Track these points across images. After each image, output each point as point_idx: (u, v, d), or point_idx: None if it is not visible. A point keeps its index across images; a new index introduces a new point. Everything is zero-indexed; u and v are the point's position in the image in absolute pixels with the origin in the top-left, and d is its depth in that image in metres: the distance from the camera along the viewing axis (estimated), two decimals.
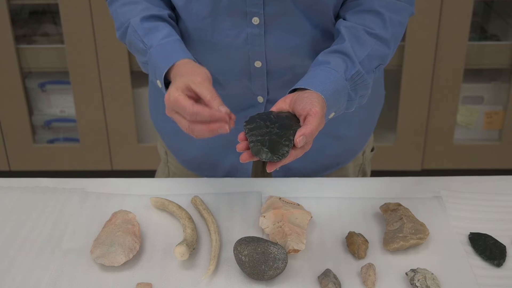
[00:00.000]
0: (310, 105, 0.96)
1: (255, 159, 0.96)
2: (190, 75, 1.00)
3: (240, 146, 0.97)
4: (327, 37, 1.13)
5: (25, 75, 2.66)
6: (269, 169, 0.96)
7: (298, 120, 0.99)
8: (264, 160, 0.95)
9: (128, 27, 1.11)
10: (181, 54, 1.05)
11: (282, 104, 1.01)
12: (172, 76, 1.03)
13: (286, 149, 0.95)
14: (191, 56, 1.06)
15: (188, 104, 0.95)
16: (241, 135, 0.98)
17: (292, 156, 0.96)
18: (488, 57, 2.58)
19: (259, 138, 0.96)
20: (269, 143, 0.95)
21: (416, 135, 2.67)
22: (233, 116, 0.98)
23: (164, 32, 1.09)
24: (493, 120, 2.71)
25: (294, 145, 0.95)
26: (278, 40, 1.11)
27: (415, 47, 2.49)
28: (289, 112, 1.00)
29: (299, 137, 0.94)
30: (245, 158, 0.96)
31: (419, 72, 2.54)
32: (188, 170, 1.36)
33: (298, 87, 1.02)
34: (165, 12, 1.12)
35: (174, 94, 0.96)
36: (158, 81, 1.07)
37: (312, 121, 0.95)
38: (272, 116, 0.99)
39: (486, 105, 2.73)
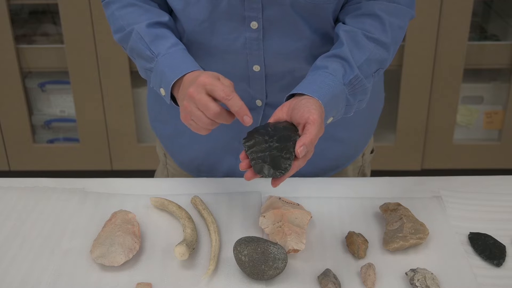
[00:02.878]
0: (308, 113, 0.96)
1: (259, 176, 0.96)
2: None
3: (243, 165, 0.97)
4: (326, 41, 1.12)
5: (25, 75, 2.65)
6: (274, 185, 0.96)
7: (296, 129, 0.98)
8: (267, 177, 0.95)
9: (131, 32, 1.10)
10: (191, 65, 1.05)
11: (280, 113, 1.00)
12: (182, 84, 1.03)
13: (288, 162, 0.95)
14: (198, 67, 1.06)
15: (225, 86, 0.97)
16: (242, 154, 0.98)
17: (295, 167, 0.96)
18: (488, 57, 2.58)
19: (260, 154, 0.96)
20: (270, 158, 0.95)
21: (416, 135, 2.67)
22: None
23: (172, 41, 1.09)
24: (492, 120, 2.71)
25: (295, 156, 0.95)
26: (277, 44, 1.11)
27: (415, 47, 2.49)
28: (286, 121, 1.00)
29: (300, 147, 0.94)
30: (249, 176, 0.96)
31: (419, 72, 2.54)
32: (187, 172, 1.36)
33: (296, 92, 1.02)
34: (166, 18, 1.12)
35: (210, 77, 0.98)
36: (162, 89, 1.06)
37: (311, 130, 0.95)
38: (269, 129, 0.98)
39: (485, 105, 2.73)
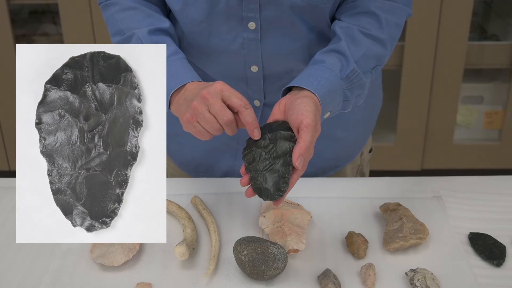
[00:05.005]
0: (301, 116, 0.95)
1: None
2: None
3: (243, 181, 0.98)
4: (323, 40, 1.12)
5: None
6: (276, 204, 0.97)
7: (293, 134, 0.97)
8: (266, 200, 0.96)
9: (131, 37, 1.10)
10: (191, 76, 1.05)
11: (277, 112, 1.00)
12: (185, 90, 1.02)
13: (286, 181, 0.95)
14: (200, 78, 1.06)
15: (242, 96, 0.98)
16: (242, 168, 0.99)
17: (294, 180, 0.96)
18: (488, 57, 2.58)
19: (258, 173, 0.97)
20: (268, 181, 0.96)
21: (416, 135, 2.67)
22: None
23: (171, 49, 1.08)
24: (493, 120, 2.71)
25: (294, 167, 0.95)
26: (274, 44, 1.11)
27: (415, 47, 2.49)
28: (284, 122, 0.99)
29: (297, 160, 0.94)
30: (250, 194, 0.97)
31: (419, 72, 2.54)
32: (186, 172, 1.36)
33: (293, 85, 1.02)
34: (167, 24, 1.12)
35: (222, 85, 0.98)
36: None
37: (305, 136, 0.94)
38: (267, 138, 0.98)
39: (486, 105, 2.73)
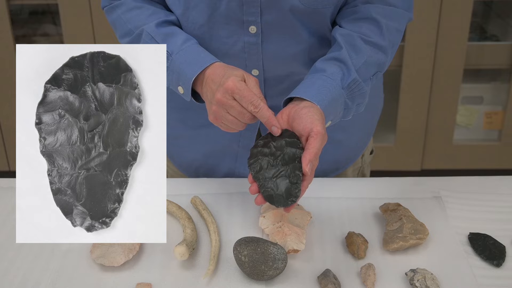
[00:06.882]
0: (311, 124, 0.96)
1: None
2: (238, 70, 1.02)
3: (252, 189, 0.98)
4: (324, 44, 1.12)
5: None
6: (287, 211, 0.98)
7: (299, 141, 0.98)
8: (279, 207, 0.96)
9: (141, 34, 1.10)
10: (208, 58, 1.05)
11: (280, 121, 1.00)
12: (205, 81, 1.03)
13: (298, 186, 0.95)
14: (217, 59, 1.06)
15: (252, 94, 0.98)
16: (250, 178, 0.99)
17: (306, 185, 0.97)
18: (488, 57, 2.59)
19: (268, 182, 0.97)
20: (280, 187, 0.96)
21: (415, 135, 2.67)
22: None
23: (183, 37, 1.08)
24: (492, 120, 2.71)
25: (303, 173, 0.96)
26: (275, 48, 1.11)
27: (415, 47, 2.49)
28: (286, 130, 1.00)
29: (307, 166, 0.95)
30: (259, 201, 0.98)
31: (419, 72, 2.54)
32: (186, 175, 1.36)
33: (294, 96, 1.02)
34: (174, 16, 1.12)
35: (241, 83, 0.98)
36: (180, 87, 1.06)
37: (314, 143, 0.95)
38: (272, 146, 0.99)
39: (485, 105, 2.73)
